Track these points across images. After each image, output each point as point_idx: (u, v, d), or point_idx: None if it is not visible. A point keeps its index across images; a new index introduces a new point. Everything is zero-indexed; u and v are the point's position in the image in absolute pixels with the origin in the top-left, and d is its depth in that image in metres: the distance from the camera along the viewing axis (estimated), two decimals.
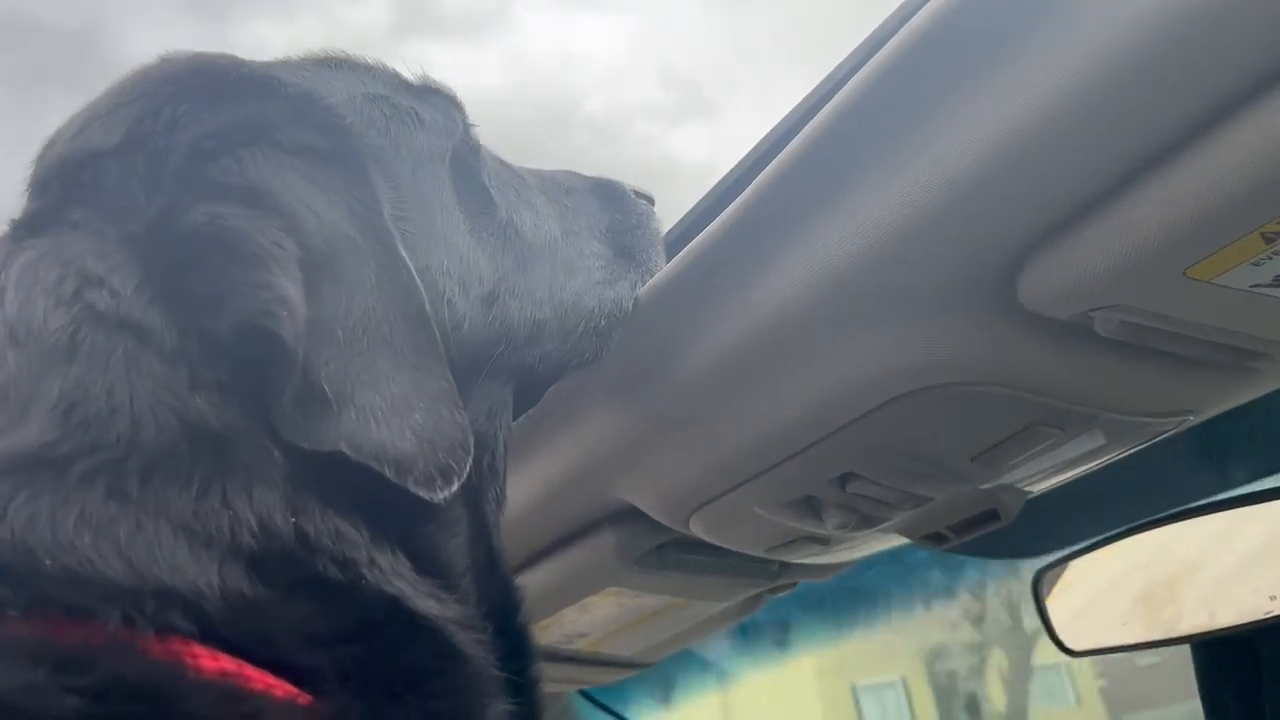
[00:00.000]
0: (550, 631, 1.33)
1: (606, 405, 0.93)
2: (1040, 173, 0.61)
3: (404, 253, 0.63)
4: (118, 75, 0.67)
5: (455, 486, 0.58)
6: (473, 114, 0.82)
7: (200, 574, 0.49)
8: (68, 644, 0.45)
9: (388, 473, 0.55)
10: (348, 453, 0.54)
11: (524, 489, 1.03)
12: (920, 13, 0.63)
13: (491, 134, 0.84)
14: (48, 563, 0.47)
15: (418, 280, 0.63)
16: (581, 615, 1.28)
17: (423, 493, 0.56)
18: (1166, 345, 0.70)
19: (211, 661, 0.47)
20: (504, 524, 0.76)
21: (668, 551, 1.13)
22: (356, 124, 0.69)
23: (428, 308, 0.63)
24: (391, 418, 0.56)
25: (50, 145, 0.65)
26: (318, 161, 0.63)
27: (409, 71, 0.79)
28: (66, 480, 0.50)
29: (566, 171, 0.94)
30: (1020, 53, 0.59)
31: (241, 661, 0.48)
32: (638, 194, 0.96)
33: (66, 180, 0.61)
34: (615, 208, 0.92)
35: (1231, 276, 0.61)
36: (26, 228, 0.60)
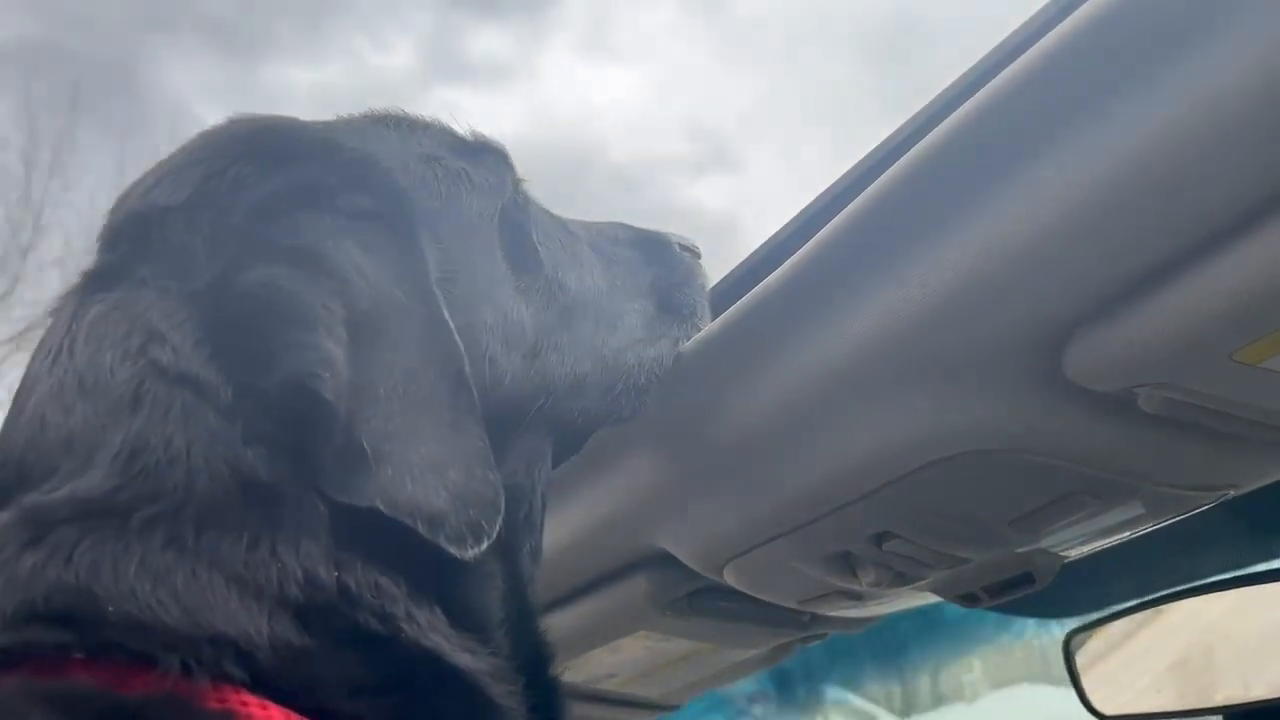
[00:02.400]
0: (579, 671, 1.34)
1: (649, 453, 0.94)
2: (1092, 251, 0.62)
3: (447, 316, 0.65)
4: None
5: (485, 545, 0.59)
6: None
7: (251, 623, 0.51)
8: (127, 696, 0.47)
9: (420, 529, 0.57)
10: (382, 508, 0.56)
11: (562, 530, 1.04)
12: (986, 86, 0.64)
13: None
14: (110, 609, 0.49)
15: (459, 342, 0.65)
16: (610, 656, 1.29)
17: (453, 550, 0.58)
18: (1210, 422, 0.70)
19: (261, 711, 0.49)
20: (539, 566, 0.77)
21: (700, 598, 1.13)
22: (409, 187, 0.72)
23: (467, 369, 0.64)
24: (427, 475, 0.58)
25: (124, 199, 0.68)
26: (371, 225, 0.65)
27: (461, 127, 0.81)
28: (128, 528, 0.52)
29: (616, 223, 0.96)
30: (1077, 131, 0.60)
31: (289, 711, 0.49)
32: (683, 247, 0.97)
33: (135, 236, 0.64)
34: (660, 263, 0.93)
35: (1279, 361, 0.61)
36: (98, 280, 0.64)
